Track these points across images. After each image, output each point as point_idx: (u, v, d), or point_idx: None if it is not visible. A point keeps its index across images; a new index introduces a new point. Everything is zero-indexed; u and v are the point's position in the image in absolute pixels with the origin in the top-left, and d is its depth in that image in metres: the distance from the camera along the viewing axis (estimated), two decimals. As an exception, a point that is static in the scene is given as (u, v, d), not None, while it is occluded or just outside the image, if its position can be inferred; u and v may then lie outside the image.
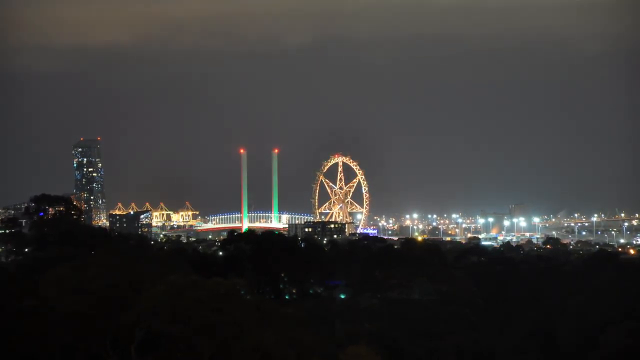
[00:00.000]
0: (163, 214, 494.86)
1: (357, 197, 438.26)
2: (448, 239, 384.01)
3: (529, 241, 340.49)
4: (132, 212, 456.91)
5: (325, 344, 56.16)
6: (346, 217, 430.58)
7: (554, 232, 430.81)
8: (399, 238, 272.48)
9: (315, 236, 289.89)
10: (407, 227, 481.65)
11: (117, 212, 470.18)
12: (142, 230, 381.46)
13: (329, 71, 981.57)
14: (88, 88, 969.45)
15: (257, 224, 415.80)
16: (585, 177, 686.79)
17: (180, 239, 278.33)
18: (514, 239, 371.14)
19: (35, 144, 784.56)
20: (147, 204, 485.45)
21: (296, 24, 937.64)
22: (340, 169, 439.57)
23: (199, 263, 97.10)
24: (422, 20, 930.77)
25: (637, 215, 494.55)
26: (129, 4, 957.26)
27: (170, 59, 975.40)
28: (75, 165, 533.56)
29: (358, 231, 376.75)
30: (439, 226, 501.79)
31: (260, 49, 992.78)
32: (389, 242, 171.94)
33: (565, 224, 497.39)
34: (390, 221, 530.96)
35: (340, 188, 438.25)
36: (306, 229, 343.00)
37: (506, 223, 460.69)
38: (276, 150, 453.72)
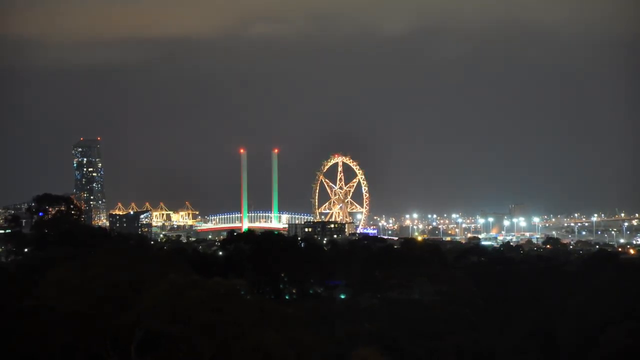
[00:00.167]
0: (163, 214, 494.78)
1: (357, 197, 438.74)
2: (448, 239, 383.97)
3: (529, 241, 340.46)
4: (132, 212, 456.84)
5: (325, 344, 56.16)
6: (346, 217, 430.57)
7: (554, 232, 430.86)
8: (399, 238, 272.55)
9: (315, 236, 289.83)
10: (407, 227, 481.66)
11: (117, 212, 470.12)
12: (142, 230, 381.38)
13: (329, 71, 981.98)
14: (88, 88, 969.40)
15: (257, 224, 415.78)
16: (585, 177, 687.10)
17: (180, 239, 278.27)
18: (514, 239, 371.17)
19: (35, 143, 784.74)
20: (147, 204, 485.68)
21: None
22: (340, 169, 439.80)
23: (199, 263, 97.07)
24: (422, 19, 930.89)
25: (637, 215, 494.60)
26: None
27: (170, 59, 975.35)
28: (75, 165, 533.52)
29: (358, 231, 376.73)
30: (439, 226, 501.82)
31: (260, 49, 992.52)
32: (389, 242, 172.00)
33: (565, 224, 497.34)
34: (390, 221, 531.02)
35: (340, 188, 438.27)
36: (306, 229, 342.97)
37: (506, 223, 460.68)
38: (276, 150, 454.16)
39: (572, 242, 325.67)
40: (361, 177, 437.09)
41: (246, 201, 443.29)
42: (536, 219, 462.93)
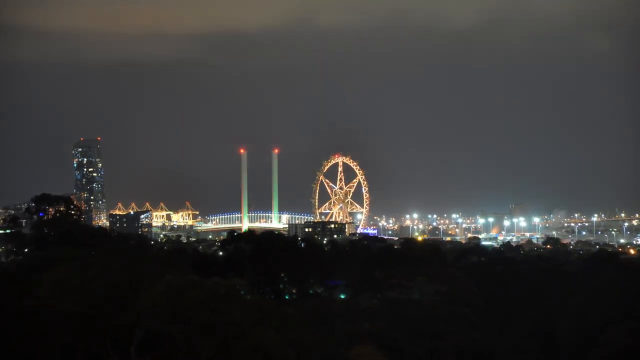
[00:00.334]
0: (163, 214, 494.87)
1: (357, 197, 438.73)
2: (448, 239, 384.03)
3: (529, 241, 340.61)
4: (132, 212, 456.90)
5: (325, 344, 56.16)
6: (346, 217, 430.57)
7: (554, 232, 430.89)
8: (399, 238, 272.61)
9: (315, 236, 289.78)
10: (407, 227, 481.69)
11: (117, 212, 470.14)
12: (142, 230, 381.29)
13: (329, 71, 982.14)
14: (88, 88, 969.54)
15: (257, 224, 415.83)
16: (585, 177, 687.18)
17: (180, 239, 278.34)
18: (514, 239, 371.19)
19: (35, 143, 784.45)
20: (147, 204, 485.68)
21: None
22: (340, 169, 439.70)
23: (199, 263, 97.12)
24: (423, 18, 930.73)
25: (637, 215, 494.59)
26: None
27: (170, 59, 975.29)
28: (75, 165, 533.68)
29: (358, 231, 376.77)
30: (439, 226, 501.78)
31: (258, 48, 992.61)
32: (389, 242, 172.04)
33: (565, 224, 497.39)
34: (390, 221, 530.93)
35: (340, 188, 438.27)
36: (306, 229, 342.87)
37: (506, 223, 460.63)
38: (276, 150, 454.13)
39: (572, 242, 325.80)
40: (361, 177, 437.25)
41: (246, 201, 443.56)
42: (536, 219, 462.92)
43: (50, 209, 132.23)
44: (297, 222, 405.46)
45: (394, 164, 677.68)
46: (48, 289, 58.69)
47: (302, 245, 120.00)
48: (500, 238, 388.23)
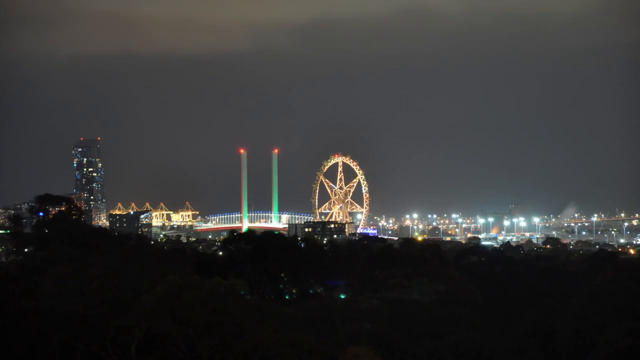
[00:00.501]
0: (163, 214, 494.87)
1: (357, 197, 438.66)
2: (448, 239, 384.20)
3: (529, 241, 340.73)
4: (132, 212, 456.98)
5: (325, 344, 56.14)
6: (346, 217, 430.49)
7: (554, 232, 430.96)
8: (399, 238, 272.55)
9: (315, 236, 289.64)
10: (407, 227, 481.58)
11: (117, 212, 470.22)
12: (142, 230, 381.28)
13: (329, 71, 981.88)
14: (88, 88, 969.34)
15: (257, 224, 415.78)
16: (585, 177, 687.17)
17: (180, 239, 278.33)
18: (514, 239, 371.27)
19: (35, 143, 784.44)
20: (147, 204, 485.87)
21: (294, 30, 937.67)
22: (340, 169, 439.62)
23: (199, 263, 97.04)
24: (424, 19, 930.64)
25: (637, 215, 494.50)
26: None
27: (169, 59, 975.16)
28: (75, 165, 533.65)
29: (358, 231, 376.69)
30: (439, 226, 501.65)
31: (258, 49, 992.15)
32: (389, 242, 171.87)
33: (565, 224, 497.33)
34: (390, 221, 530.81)
35: (340, 188, 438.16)
36: (306, 229, 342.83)
37: (506, 223, 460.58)
38: (276, 150, 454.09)
39: (572, 242, 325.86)
40: (361, 177, 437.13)
41: (246, 201, 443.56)
42: (536, 219, 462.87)
43: (52, 209, 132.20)
44: (297, 222, 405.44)
45: (394, 164, 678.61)
46: (48, 289, 58.75)
47: (302, 245, 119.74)
48: (500, 238, 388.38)
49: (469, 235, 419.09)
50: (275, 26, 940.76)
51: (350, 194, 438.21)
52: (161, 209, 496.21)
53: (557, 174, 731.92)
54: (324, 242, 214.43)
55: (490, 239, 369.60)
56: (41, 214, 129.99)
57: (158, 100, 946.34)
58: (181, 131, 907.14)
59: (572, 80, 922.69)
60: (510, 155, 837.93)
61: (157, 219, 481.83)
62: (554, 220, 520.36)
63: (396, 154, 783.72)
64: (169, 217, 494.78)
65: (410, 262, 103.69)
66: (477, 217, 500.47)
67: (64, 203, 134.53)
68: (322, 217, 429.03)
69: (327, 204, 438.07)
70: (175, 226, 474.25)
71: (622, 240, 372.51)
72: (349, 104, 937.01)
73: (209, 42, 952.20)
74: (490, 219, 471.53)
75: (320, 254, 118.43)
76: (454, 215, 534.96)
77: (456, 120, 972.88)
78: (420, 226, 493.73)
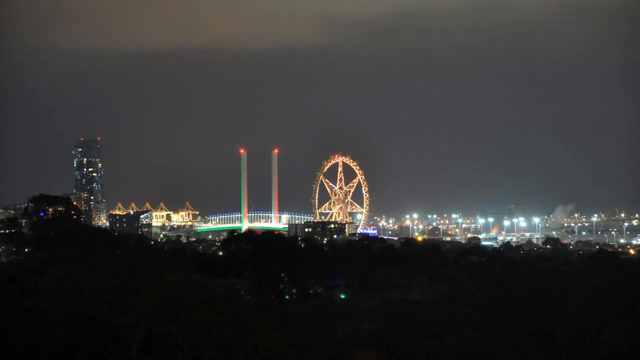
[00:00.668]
0: (163, 214, 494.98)
1: (357, 197, 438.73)
2: (448, 239, 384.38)
3: (529, 241, 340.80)
4: (132, 212, 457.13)
5: (326, 345, 56.13)
6: (346, 217, 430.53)
7: (554, 232, 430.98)
8: (399, 238, 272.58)
9: (315, 236, 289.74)
10: (407, 227, 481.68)
11: (117, 212, 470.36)
12: (142, 230, 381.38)
13: (329, 71, 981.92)
14: (88, 88, 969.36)
15: (257, 224, 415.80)
16: (585, 177, 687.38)
17: (180, 239, 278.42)
18: (514, 239, 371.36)
19: (35, 144, 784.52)
20: (147, 204, 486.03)
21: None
22: (340, 169, 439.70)
23: (199, 263, 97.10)
24: (424, 20, 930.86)
25: (637, 215, 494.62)
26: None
27: (170, 60, 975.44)
28: (75, 165, 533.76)
29: (358, 231, 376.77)
30: (439, 226, 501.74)
31: (259, 49, 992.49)
32: (389, 242, 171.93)
33: (565, 224, 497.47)
34: (390, 221, 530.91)
35: (340, 188, 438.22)
36: (306, 229, 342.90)
37: (506, 223, 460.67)
38: (276, 150, 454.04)
39: (572, 242, 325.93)
40: (361, 177, 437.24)
41: (246, 201, 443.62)
42: (536, 219, 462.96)
43: (51, 209, 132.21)
44: (297, 222, 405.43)
45: (394, 164, 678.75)
46: (48, 289, 58.75)
47: (302, 245, 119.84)
48: (500, 238, 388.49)
49: (469, 235, 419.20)
50: (275, 26, 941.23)
51: (350, 194, 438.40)
52: (161, 209, 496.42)
53: (557, 174, 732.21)
54: (324, 242, 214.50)
55: (490, 239, 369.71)
56: (42, 214, 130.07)
57: (158, 100, 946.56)
58: (181, 131, 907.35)
59: (572, 80, 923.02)
60: (510, 155, 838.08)
61: (157, 219, 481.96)
62: (553, 220, 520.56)
63: (396, 154, 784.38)
64: (169, 217, 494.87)
65: (410, 262, 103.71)
66: (477, 217, 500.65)
67: (61, 203, 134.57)
68: (322, 217, 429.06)
69: (327, 204, 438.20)
70: (175, 226, 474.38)
71: (622, 240, 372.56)
72: (349, 104, 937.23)
73: (208, 42, 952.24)
74: (490, 219, 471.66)
75: (320, 254, 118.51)
76: (454, 216, 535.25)
77: (456, 120, 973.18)
78: (420, 226, 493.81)
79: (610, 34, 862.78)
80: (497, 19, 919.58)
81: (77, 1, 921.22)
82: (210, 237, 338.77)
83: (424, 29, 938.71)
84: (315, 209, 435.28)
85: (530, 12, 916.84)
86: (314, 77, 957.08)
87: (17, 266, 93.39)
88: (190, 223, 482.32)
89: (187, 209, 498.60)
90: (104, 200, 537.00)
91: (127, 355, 54.15)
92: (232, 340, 52.27)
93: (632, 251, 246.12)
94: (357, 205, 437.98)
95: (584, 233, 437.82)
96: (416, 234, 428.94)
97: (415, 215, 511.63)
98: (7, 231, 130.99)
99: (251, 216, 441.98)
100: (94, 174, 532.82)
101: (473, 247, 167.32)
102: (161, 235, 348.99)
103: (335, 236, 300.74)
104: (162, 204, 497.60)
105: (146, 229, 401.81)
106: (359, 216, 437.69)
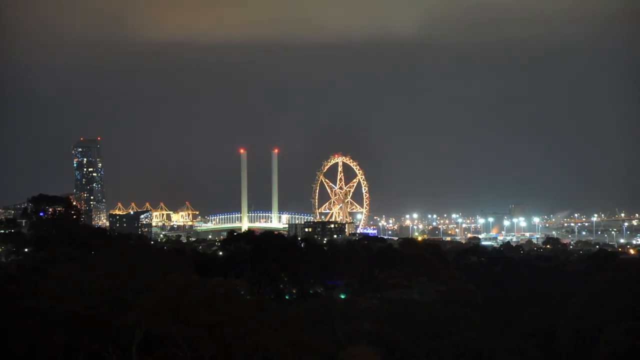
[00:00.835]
0: (163, 214, 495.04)
1: (357, 197, 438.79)
2: (448, 239, 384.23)
3: (529, 241, 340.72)
4: (132, 212, 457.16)
5: (325, 344, 56.15)
6: (346, 217, 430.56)
7: (554, 232, 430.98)
8: (398, 238, 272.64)
9: (315, 236, 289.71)
10: (407, 227, 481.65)
11: (117, 212, 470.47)
12: (142, 230, 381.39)
13: (329, 71, 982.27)
14: (88, 88, 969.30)
15: (257, 224, 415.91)
16: (585, 177, 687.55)
17: (180, 239, 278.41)
18: (514, 239, 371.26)
19: (35, 143, 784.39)
20: (147, 204, 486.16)
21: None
22: (340, 169, 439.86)
23: (199, 263, 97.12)
24: (423, 18, 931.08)
25: (637, 215, 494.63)
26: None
27: (169, 59, 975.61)
28: (75, 165, 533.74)
29: (358, 231, 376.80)
30: (439, 226, 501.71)
31: (258, 48, 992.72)
32: (389, 242, 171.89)
33: (565, 224, 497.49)
34: (390, 221, 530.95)
35: (340, 188, 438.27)
36: (306, 229, 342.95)
37: (506, 223, 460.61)
38: (276, 150, 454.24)
39: (572, 242, 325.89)
40: (361, 177, 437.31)
41: (246, 201, 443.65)
42: (536, 219, 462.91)
43: (51, 209, 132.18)
44: (297, 222, 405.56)
45: (394, 164, 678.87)
46: (48, 289, 58.73)
47: (302, 245, 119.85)
48: (500, 238, 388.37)
49: (469, 235, 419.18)
50: (274, 27, 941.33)
51: (350, 194, 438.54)
52: (161, 209, 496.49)
53: (557, 173, 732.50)
54: (324, 242, 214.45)
55: (490, 239, 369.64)
56: (41, 214, 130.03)
57: (158, 100, 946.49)
58: (181, 131, 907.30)
59: (572, 78, 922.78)
60: (510, 155, 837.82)
61: (157, 219, 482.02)
62: (553, 220, 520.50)
63: (396, 154, 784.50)
64: (169, 217, 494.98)
65: (410, 262, 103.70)
66: (477, 217, 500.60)
67: (60, 203, 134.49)
68: (322, 217, 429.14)
69: (327, 204, 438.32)
70: (175, 226, 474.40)
71: (622, 240, 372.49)
72: (350, 104, 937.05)
73: (209, 42, 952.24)
74: (490, 219, 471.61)
75: (320, 254, 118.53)
76: (454, 215, 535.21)
77: (456, 120, 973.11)
78: (420, 226, 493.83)
79: (609, 37, 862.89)
80: (496, 26, 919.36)
81: (78, 2, 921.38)
82: (210, 237, 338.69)
83: (424, 31, 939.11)
84: (315, 209, 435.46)
85: (529, 21, 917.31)
86: (313, 77, 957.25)
87: (17, 266, 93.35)
88: (190, 223, 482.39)
89: (187, 209, 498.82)
90: (104, 200, 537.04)
91: (127, 355, 54.16)
92: (232, 340, 52.28)
93: (632, 251, 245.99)
94: (357, 205, 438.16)
95: (584, 233, 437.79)
96: (416, 234, 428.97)
97: (415, 215, 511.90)
98: (7, 231, 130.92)
99: (251, 216, 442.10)
100: (94, 174, 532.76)
101: (473, 247, 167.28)
102: (161, 235, 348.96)
103: (335, 236, 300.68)
104: (162, 204, 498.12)
105: (146, 229, 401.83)
106: (359, 216, 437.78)
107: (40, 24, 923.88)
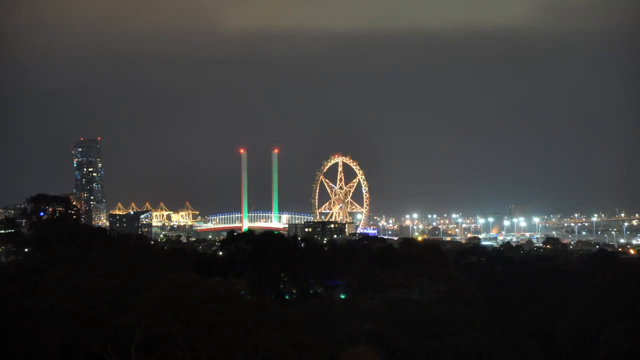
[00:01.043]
0: (163, 214, 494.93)
1: (357, 197, 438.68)
2: (448, 239, 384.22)
3: (529, 241, 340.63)
4: (132, 212, 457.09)
5: (325, 344, 56.13)
6: (346, 217, 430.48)
7: (554, 232, 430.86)
8: (398, 238, 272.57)
9: (315, 236, 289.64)
10: (407, 227, 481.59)
11: (117, 212, 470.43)
12: (142, 230, 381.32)
13: (329, 71, 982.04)
14: (88, 88, 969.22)
15: (257, 224, 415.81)
16: (585, 177, 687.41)
17: (180, 239, 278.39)
18: (514, 239, 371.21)
19: (35, 143, 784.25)
20: (147, 204, 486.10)
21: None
22: (340, 169, 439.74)
23: (199, 263, 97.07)
24: (422, 17, 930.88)
25: (637, 215, 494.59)
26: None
27: (169, 59, 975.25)
28: (75, 165, 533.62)
29: (358, 231, 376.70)
30: (439, 226, 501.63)
31: (261, 49, 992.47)
32: (389, 242, 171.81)
33: (565, 224, 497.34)
34: (390, 221, 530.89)
35: (340, 188, 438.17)
36: (306, 229, 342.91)
37: (506, 223, 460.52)
38: (276, 150, 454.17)
39: (572, 242, 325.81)
40: (361, 177, 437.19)
41: (246, 201, 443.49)
42: (536, 219, 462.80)
43: (51, 209, 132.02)
44: (297, 222, 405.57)
45: (394, 164, 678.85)
46: (48, 289, 58.72)
47: (302, 245, 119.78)
48: (500, 238, 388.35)
49: (469, 235, 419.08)
50: (274, 28, 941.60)
51: (350, 194, 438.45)
52: (161, 209, 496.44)
53: (557, 173, 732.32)
54: (324, 242, 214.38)
55: (490, 239, 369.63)
56: (41, 214, 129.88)
57: (158, 100, 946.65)
58: (181, 131, 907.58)
59: (572, 79, 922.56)
60: (510, 155, 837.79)
61: (157, 219, 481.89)
62: (554, 220, 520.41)
63: (396, 154, 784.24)
64: (169, 217, 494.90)
65: (410, 262, 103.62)
66: (477, 217, 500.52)
67: (60, 203, 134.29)
68: (322, 217, 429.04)
69: (327, 204, 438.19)
70: (175, 226, 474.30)
71: (622, 240, 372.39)
72: (350, 104, 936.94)
73: (209, 42, 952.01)
74: (490, 219, 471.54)
75: (320, 254, 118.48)
76: (454, 215, 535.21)
77: (457, 121, 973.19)
78: (420, 226, 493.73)
79: (608, 38, 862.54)
80: (496, 27, 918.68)
81: (78, 2, 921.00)
82: (210, 237, 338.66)
83: (417, 27, 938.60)
84: (315, 209, 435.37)
85: (531, 23, 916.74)
86: (313, 77, 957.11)
87: (17, 266, 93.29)
88: (190, 223, 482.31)
89: (187, 209, 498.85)
90: (104, 200, 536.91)
91: (127, 355, 54.14)
92: (232, 340, 52.26)
93: (632, 251, 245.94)
94: (357, 205, 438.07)
95: (584, 233, 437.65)
96: (416, 234, 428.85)
97: (415, 215, 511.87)
98: (6, 231, 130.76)
99: (251, 216, 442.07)
100: (94, 174, 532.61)
101: (473, 247, 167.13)
102: (161, 235, 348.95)
103: (335, 236, 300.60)
104: (162, 204, 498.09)
105: (146, 229, 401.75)
106: (359, 216, 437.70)
107: (40, 24, 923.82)
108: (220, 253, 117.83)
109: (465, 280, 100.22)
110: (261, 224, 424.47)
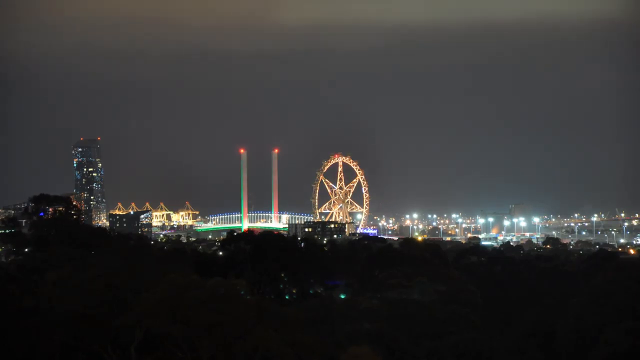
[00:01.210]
0: (163, 214, 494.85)
1: (357, 197, 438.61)
2: (448, 239, 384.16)
3: (529, 241, 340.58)
4: (132, 212, 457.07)
5: (325, 344, 56.13)
6: (346, 217, 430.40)
7: (554, 232, 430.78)
8: (399, 238, 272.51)
9: (315, 236, 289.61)
10: (407, 227, 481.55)
11: (117, 212, 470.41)
12: (142, 230, 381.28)
13: (329, 71, 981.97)
14: (88, 88, 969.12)
15: (257, 224, 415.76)
16: (585, 177, 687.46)
17: (180, 239, 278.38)
18: (514, 239, 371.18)
19: (35, 143, 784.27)
20: (147, 204, 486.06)
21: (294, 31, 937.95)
22: (340, 169, 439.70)
23: (199, 263, 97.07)
24: (422, 18, 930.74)
25: (637, 215, 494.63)
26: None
27: (169, 60, 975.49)
28: (75, 165, 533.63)
29: (358, 231, 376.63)
30: (439, 226, 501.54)
31: (261, 49, 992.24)
32: (389, 242, 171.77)
33: (565, 224, 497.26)
34: (390, 221, 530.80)
35: (340, 188, 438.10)
36: (306, 229, 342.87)
37: (506, 223, 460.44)
38: (276, 150, 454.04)
39: (572, 242, 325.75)
40: (361, 177, 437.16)
41: (246, 201, 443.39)
42: (536, 219, 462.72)
43: (51, 209, 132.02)
44: (297, 222, 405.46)
45: (394, 164, 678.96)
46: (48, 289, 58.73)
47: (302, 245, 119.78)
48: (500, 238, 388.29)
49: (469, 235, 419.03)
50: (274, 28, 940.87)
51: (350, 194, 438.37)
52: (161, 209, 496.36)
53: (557, 174, 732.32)
54: (324, 242, 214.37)
55: (490, 239, 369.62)
56: (42, 214, 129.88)
57: (158, 100, 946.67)
58: (181, 131, 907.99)
59: (572, 80, 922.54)
60: (510, 155, 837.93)
61: (157, 219, 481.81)
62: (554, 220, 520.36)
63: (396, 154, 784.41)
64: (169, 217, 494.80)
65: (410, 262, 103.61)
66: (477, 217, 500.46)
67: (62, 203, 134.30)
68: (322, 217, 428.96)
69: (327, 204, 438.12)
70: (175, 226, 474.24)
71: (622, 240, 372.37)
72: (350, 104, 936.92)
73: (209, 42, 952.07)
74: (490, 219, 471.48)
75: (320, 254, 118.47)
76: (454, 215, 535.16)
77: (457, 121, 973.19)
78: (420, 226, 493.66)
79: (608, 39, 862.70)
80: (498, 28, 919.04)
81: (78, 2, 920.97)
82: (210, 237, 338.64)
83: (416, 27, 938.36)
84: (315, 209, 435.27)
85: (534, 24, 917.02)
86: (313, 77, 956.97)
87: (17, 266, 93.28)
88: (190, 223, 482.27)
89: (187, 209, 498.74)
90: (104, 200, 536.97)
91: (127, 355, 54.15)
92: (232, 340, 52.26)
93: (632, 251, 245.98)
94: (357, 205, 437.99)
95: (584, 233, 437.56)
96: (416, 234, 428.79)
97: (415, 215, 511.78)
98: (7, 231, 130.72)
99: (251, 216, 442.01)
100: (94, 174, 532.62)
101: (473, 247, 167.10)
102: (161, 235, 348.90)
103: (335, 236, 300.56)
104: (162, 204, 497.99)
105: (146, 229, 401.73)
106: (359, 216, 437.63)
107: (40, 24, 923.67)
108: (220, 253, 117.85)
109: (465, 280, 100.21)
110: (261, 224, 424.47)
